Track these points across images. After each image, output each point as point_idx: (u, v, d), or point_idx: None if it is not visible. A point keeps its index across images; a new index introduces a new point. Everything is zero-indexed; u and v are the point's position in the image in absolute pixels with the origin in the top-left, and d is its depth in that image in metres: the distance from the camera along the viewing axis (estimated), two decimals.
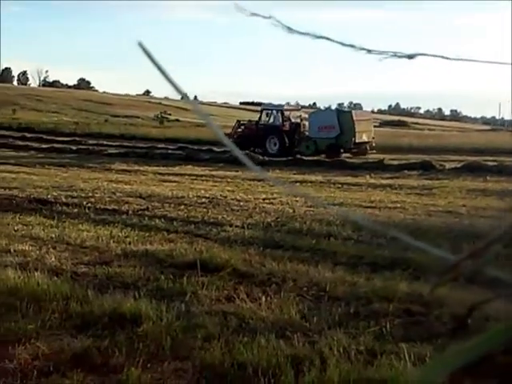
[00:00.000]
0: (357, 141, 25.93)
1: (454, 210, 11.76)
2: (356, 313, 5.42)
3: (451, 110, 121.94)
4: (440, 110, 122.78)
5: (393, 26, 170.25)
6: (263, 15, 0.82)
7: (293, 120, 28.11)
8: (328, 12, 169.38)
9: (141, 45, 0.68)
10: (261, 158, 23.80)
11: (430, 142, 30.89)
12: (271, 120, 28.00)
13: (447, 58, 0.87)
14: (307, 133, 27.18)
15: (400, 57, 0.85)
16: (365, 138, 26.39)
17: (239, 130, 28.89)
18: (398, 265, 7.06)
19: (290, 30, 0.82)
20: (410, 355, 4.35)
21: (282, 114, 28.00)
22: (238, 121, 30.12)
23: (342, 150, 25.98)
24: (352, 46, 0.83)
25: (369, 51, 0.84)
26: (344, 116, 26.52)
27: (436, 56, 0.87)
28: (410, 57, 0.84)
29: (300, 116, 28.50)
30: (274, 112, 28.19)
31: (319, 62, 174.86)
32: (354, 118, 26.14)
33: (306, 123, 27.70)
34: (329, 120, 26.27)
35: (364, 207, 12.24)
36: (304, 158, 23.88)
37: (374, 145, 26.82)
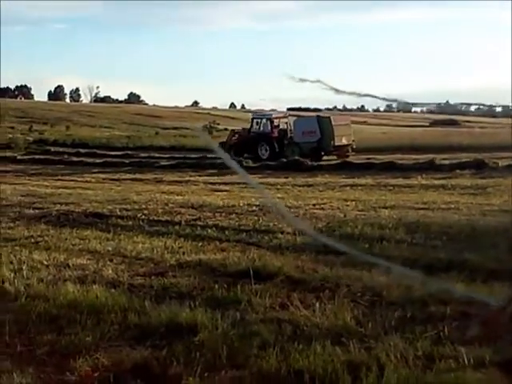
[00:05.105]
0: (336, 144, 27.62)
1: (509, 209, 11.48)
2: (412, 317, 5.35)
3: (503, 106, 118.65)
4: (491, 106, 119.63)
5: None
6: (311, 80, 0.85)
7: (281, 126, 29.89)
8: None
9: None
10: (309, 163, 23.98)
11: (481, 140, 30.26)
12: (261, 128, 29.84)
13: None
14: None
15: None
16: (344, 141, 28.09)
17: (234, 138, 30.57)
18: (453, 267, 6.94)
19: (337, 91, 0.85)
20: (469, 359, 4.28)
21: (271, 121, 29.80)
22: (233, 129, 32.28)
23: (322, 153, 27.68)
24: (395, 100, 0.86)
25: (413, 104, 0.85)
26: (323, 122, 28.37)
27: None
28: None
29: (287, 122, 30.13)
30: (264, 120, 30.19)
31: (371, 62, 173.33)
32: (333, 123, 27.99)
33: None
34: (310, 126, 28.39)
35: (416, 209, 12.08)
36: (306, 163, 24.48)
37: (354, 147, 28.42)
